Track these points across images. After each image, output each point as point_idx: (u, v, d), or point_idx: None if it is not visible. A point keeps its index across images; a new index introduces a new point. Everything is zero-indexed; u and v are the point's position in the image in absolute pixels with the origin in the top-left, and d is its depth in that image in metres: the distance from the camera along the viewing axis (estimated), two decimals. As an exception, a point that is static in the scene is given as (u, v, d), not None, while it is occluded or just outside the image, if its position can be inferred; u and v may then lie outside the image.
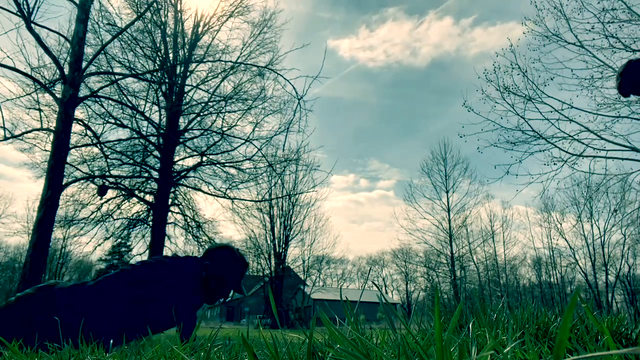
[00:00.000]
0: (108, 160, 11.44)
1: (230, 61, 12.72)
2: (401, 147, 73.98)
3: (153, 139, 13.11)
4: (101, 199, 12.29)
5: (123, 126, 12.26)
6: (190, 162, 14.19)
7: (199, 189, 13.62)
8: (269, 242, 29.13)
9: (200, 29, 13.93)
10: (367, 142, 75.59)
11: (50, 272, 33.87)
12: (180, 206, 14.21)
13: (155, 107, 13.12)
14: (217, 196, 13.41)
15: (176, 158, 13.66)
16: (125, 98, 11.90)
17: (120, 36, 11.13)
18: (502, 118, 10.29)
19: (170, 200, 13.49)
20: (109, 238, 13.73)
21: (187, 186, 13.92)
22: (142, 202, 13.43)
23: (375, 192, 72.59)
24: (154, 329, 2.40)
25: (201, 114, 13.67)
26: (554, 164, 9.84)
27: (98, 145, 10.70)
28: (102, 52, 10.20)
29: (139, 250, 14.18)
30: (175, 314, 2.36)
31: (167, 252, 13.81)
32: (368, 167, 74.31)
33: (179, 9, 13.61)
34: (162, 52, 13.06)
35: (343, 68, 64.14)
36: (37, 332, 2.08)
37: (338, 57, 63.60)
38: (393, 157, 73.33)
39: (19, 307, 2.27)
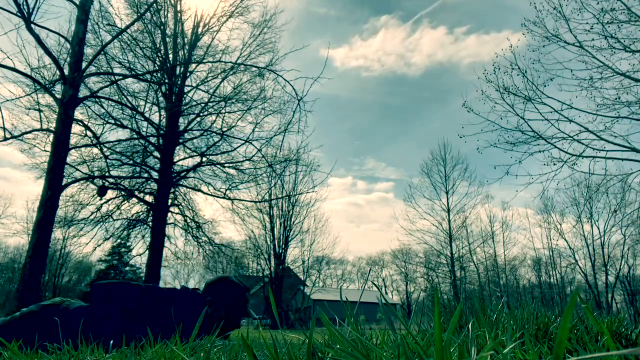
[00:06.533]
0: (108, 160, 11.43)
1: (230, 62, 12.72)
2: (397, 145, 74.12)
3: (153, 140, 13.10)
4: (101, 199, 12.29)
5: (123, 127, 12.25)
6: (190, 162, 14.20)
7: (199, 190, 13.62)
8: (268, 242, 29.14)
9: (200, 30, 13.94)
10: (363, 141, 75.77)
11: (50, 273, 33.84)
12: (180, 207, 14.20)
13: (155, 108, 13.13)
14: (217, 197, 13.41)
15: (176, 158, 13.66)
16: (125, 98, 11.90)
17: (120, 37, 11.14)
18: (501, 118, 10.28)
19: (170, 201, 13.48)
20: (108, 238, 13.73)
21: (186, 187, 13.92)
22: (141, 203, 13.42)
23: (374, 194, 72.68)
24: None
25: (201, 114, 13.67)
26: (554, 164, 9.83)
27: (98, 145, 10.70)
28: (102, 52, 10.20)
29: (138, 251, 14.18)
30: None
31: (166, 252, 13.82)
32: (365, 165, 74.41)
33: (178, 9, 13.61)
34: (162, 52, 13.06)
35: (337, 76, 64.54)
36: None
37: (332, 68, 63.99)
38: (389, 155, 73.47)
39: (22, 324, 2.26)
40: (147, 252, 12.97)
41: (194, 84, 13.82)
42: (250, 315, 2.67)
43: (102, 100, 11.19)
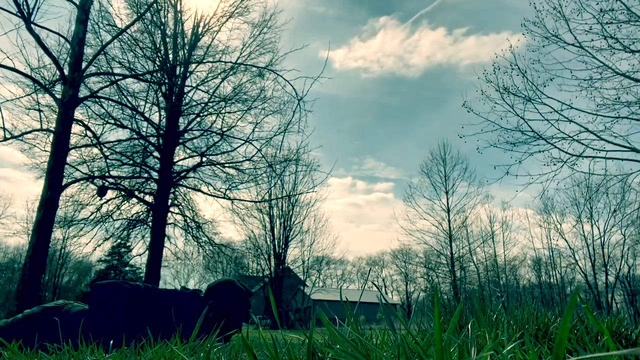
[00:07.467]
0: (108, 160, 11.44)
1: (230, 62, 12.72)
2: (397, 145, 74.11)
3: (153, 140, 13.10)
4: (101, 199, 12.29)
5: (123, 127, 12.25)
6: (190, 162, 14.20)
7: (199, 190, 13.62)
8: (268, 242, 29.14)
9: (200, 30, 13.93)
10: (363, 141, 75.70)
11: (50, 273, 33.85)
12: (180, 207, 14.21)
13: (155, 108, 13.13)
14: (217, 197, 13.41)
15: (176, 158, 13.66)
16: (125, 99, 11.90)
17: (120, 37, 11.14)
18: (501, 119, 10.27)
19: (170, 201, 13.48)
20: (108, 239, 13.73)
21: (186, 187, 13.92)
22: (141, 203, 13.42)
23: (374, 195, 72.68)
24: None
25: (201, 114, 13.68)
26: (554, 164, 9.82)
27: (98, 145, 10.71)
28: (102, 52, 10.20)
29: (138, 251, 14.18)
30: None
31: (166, 252, 13.82)
32: (364, 165, 74.36)
33: (178, 9, 13.61)
34: (162, 52, 13.06)
35: (336, 77, 64.58)
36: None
37: (332, 69, 64.06)
38: (389, 155, 73.43)
39: (24, 325, 2.28)
40: (147, 252, 12.96)
41: (194, 84, 13.82)
42: (252, 321, 2.71)
43: (102, 100, 11.19)
